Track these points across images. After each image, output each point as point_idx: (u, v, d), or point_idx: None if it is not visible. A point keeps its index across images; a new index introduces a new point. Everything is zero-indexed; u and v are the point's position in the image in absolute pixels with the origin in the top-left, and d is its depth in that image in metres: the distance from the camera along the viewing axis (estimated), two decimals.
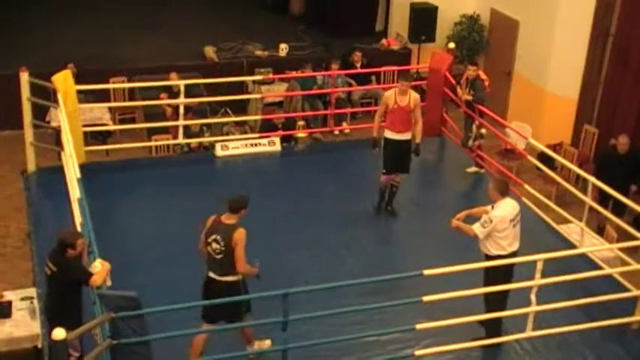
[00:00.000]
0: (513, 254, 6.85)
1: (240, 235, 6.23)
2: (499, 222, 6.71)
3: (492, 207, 6.89)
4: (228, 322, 6.33)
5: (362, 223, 8.81)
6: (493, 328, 6.95)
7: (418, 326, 6.64)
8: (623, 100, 11.62)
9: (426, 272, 6.50)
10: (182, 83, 10.15)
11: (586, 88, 12.26)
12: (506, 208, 6.81)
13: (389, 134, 8.86)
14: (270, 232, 8.51)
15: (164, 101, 10.75)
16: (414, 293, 6.61)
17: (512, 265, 6.81)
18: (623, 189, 7.88)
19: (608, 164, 9.72)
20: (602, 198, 8.91)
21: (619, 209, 8.69)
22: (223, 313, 6.29)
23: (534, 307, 6.76)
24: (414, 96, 8.81)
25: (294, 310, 6.10)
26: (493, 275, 6.80)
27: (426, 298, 6.53)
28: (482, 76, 10.46)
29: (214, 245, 6.27)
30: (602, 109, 12.09)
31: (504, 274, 6.80)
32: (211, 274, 6.33)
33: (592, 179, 8.16)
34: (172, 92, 11.56)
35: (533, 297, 6.74)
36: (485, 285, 6.80)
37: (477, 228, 6.75)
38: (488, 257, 6.84)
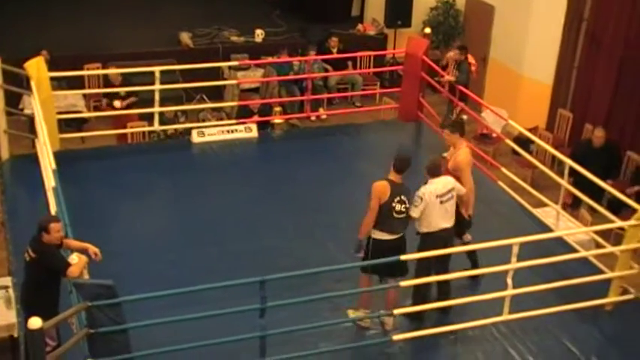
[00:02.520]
0: (445, 231, 6.94)
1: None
2: (428, 198, 6.79)
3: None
4: (397, 277, 6.64)
5: (340, 209, 8.79)
6: (418, 296, 7.03)
7: (396, 311, 6.67)
8: (597, 84, 11.67)
9: (403, 257, 6.54)
10: (157, 69, 10.05)
11: (560, 73, 12.31)
12: (435, 185, 6.89)
13: None
14: (248, 219, 8.49)
15: (139, 88, 10.62)
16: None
17: (443, 243, 6.87)
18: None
19: (583, 158, 9.45)
20: (578, 188, 8.82)
21: (595, 200, 8.64)
22: (401, 271, 6.67)
23: (510, 291, 6.80)
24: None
25: (273, 296, 6.09)
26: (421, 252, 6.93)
27: (403, 283, 6.56)
28: (471, 60, 10.51)
29: (399, 207, 6.59)
30: (577, 93, 12.14)
31: (430, 249, 6.88)
32: (396, 236, 6.63)
33: (568, 162, 8.20)
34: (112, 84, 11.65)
35: (509, 280, 6.78)
36: (418, 263, 6.86)
37: (411, 210, 6.79)
38: (420, 236, 6.95)
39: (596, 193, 8.45)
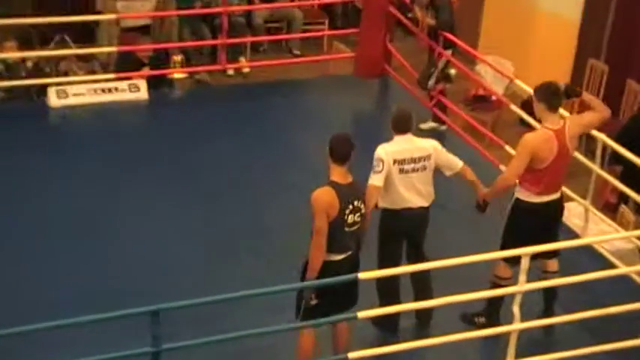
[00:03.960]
0: (411, 212, 7.14)
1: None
2: (385, 159, 6.97)
3: None
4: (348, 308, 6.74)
5: (270, 207, 8.79)
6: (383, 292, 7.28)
7: (360, 314, 6.70)
8: None
9: (362, 275, 6.56)
10: None
11: (592, 7, 12.47)
12: (397, 144, 7.06)
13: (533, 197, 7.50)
14: (140, 219, 8.55)
15: None
16: None
17: (410, 228, 7.20)
18: None
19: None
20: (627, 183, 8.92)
21: None
22: (355, 297, 6.77)
23: (517, 325, 6.88)
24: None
25: (170, 335, 6.05)
26: (380, 236, 7.23)
27: (361, 314, 6.61)
28: None
29: (352, 217, 6.58)
30: (615, 36, 12.31)
31: (391, 233, 7.18)
32: (344, 255, 6.63)
33: (602, 137, 8.32)
34: None
35: (516, 309, 6.85)
36: (380, 250, 7.27)
37: (371, 178, 6.97)
38: (381, 212, 7.22)
39: None
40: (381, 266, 7.25)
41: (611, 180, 8.61)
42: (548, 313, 7.56)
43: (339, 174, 6.53)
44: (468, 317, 7.55)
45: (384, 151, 7.01)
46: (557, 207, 7.38)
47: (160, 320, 5.94)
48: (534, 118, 9.40)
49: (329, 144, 6.55)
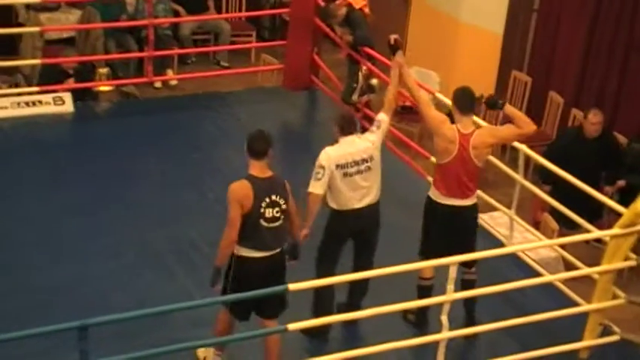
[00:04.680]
0: (357, 211, 7.27)
1: (289, 186, 6.75)
2: (328, 165, 7.05)
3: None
4: (276, 315, 6.84)
5: (195, 221, 8.76)
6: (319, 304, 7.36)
7: (291, 326, 6.64)
8: (563, 34, 12.02)
9: (292, 287, 6.55)
10: None
11: (514, 19, 12.62)
12: (342, 148, 7.16)
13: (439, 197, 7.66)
14: (64, 236, 8.43)
15: None
16: None
17: (355, 228, 7.32)
18: (593, 187, 8.03)
19: (573, 154, 9.45)
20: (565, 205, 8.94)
21: (591, 215, 8.80)
22: (280, 304, 6.80)
23: (446, 333, 6.93)
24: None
25: (97, 349, 6.00)
26: (325, 235, 7.35)
27: (292, 326, 6.59)
28: (356, 4, 10.52)
29: (270, 211, 6.61)
30: (537, 48, 12.49)
31: (336, 233, 7.32)
32: (267, 253, 6.66)
33: (524, 148, 8.41)
34: None
35: (444, 318, 6.89)
36: (320, 251, 7.39)
37: (311, 185, 7.07)
38: (329, 212, 7.32)
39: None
40: (318, 265, 7.35)
41: (540, 196, 8.68)
42: (470, 318, 7.66)
43: (256, 168, 6.65)
44: (402, 312, 7.64)
45: (327, 156, 7.08)
46: (463, 215, 7.51)
47: (88, 335, 5.91)
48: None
49: (246, 140, 6.68)
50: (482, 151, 7.37)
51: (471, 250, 7.47)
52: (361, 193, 7.25)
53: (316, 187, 7.04)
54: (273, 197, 6.62)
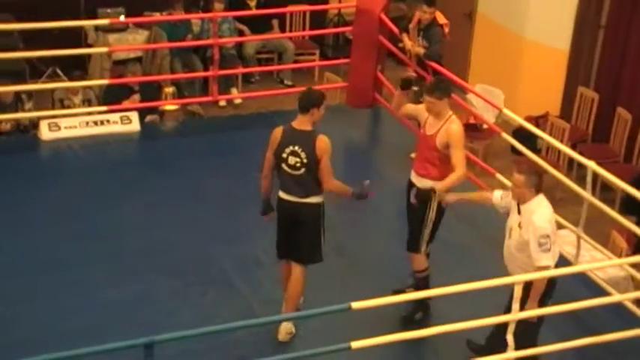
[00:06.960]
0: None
1: (324, 143, 7.15)
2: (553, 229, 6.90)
3: (520, 208, 6.98)
4: (305, 263, 7.33)
5: (262, 238, 8.75)
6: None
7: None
8: (631, 50, 11.89)
9: (355, 305, 6.50)
10: None
11: (581, 35, 12.51)
12: (547, 208, 6.94)
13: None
14: (130, 252, 8.47)
15: None
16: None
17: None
18: None
19: None
20: None
21: None
22: (302, 250, 7.31)
23: (512, 353, 6.86)
24: (453, 128, 7.60)
25: None
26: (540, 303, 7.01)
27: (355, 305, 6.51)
28: (441, 19, 10.51)
29: (292, 159, 7.12)
30: (604, 64, 12.36)
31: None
32: (286, 196, 7.22)
33: (592, 165, 8.29)
34: None
35: (510, 337, 6.82)
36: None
37: (542, 258, 6.80)
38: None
39: None
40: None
41: (627, 227, 8.32)
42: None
43: (297, 120, 7.26)
44: (408, 317, 7.71)
45: (548, 224, 6.85)
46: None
47: (154, 353, 5.92)
48: (526, 146, 9.45)
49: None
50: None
51: None
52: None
53: (546, 258, 6.81)
54: (296, 148, 7.11)
